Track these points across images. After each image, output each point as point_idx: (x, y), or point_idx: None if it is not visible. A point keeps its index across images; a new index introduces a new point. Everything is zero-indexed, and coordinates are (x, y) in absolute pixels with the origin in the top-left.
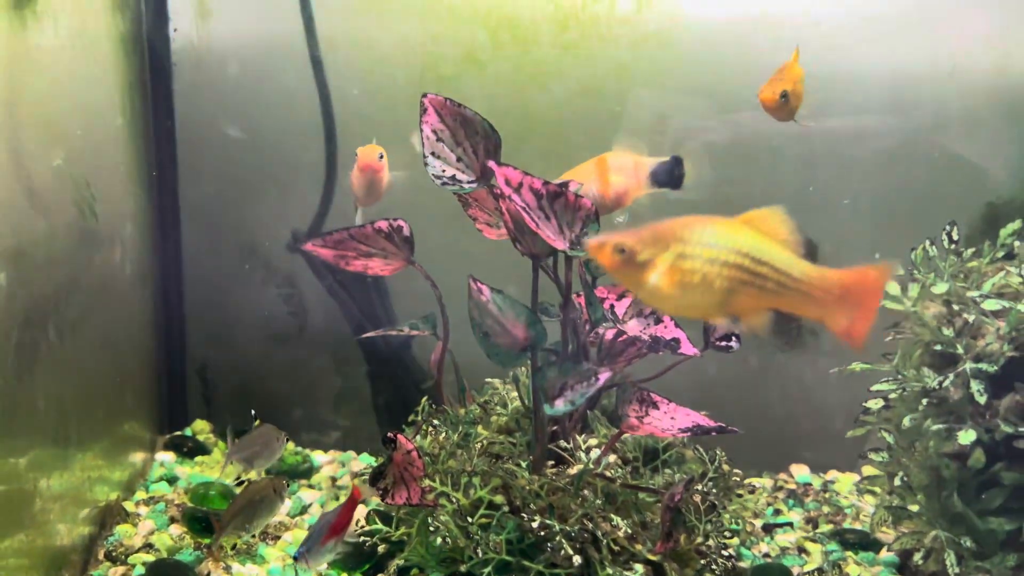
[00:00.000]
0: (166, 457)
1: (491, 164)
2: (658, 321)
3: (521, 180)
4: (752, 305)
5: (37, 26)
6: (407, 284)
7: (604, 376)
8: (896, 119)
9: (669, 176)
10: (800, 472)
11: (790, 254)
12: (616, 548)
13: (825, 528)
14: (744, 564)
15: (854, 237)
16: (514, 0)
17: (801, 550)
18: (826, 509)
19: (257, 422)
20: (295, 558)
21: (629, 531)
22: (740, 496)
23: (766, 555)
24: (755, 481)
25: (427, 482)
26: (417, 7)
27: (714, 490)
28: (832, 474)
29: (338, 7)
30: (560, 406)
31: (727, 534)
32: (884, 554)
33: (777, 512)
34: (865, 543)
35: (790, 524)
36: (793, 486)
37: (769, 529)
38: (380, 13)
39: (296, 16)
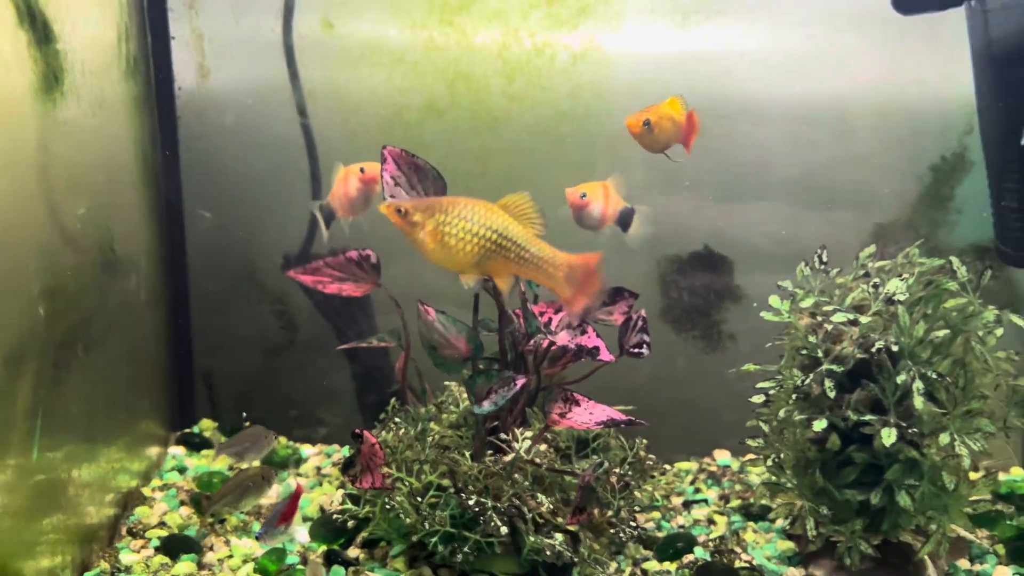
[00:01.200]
0: (177, 451)
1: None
2: (583, 332)
3: None
4: (499, 269)
5: (64, 103)
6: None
7: (521, 381)
8: (798, 151)
9: (623, 219)
10: (722, 456)
11: (531, 235)
12: (541, 521)
13: (735, 503)
14: (662, 534)
15: (764, 254)
16: (468, 57)
17: (710, 521)
18: (738, 487)
19: (247, 423)
20: (257, 537)
21: (551, 507)
22: (653, 477)
23: (682, 527)
24: (682, 465)
25: (386, 469)
26: (385, 63)
27: (630, 472)
28: (750, 457)
29: (318, 63)
30: (486, 406)
31: (640, 509)
32: (778, 524)
33: (697, 491)
34: (765, 515)
35: (705, 501)
36: (714, 468)
37: (688, 505)
38: (353, 68)
39: (282, 73)
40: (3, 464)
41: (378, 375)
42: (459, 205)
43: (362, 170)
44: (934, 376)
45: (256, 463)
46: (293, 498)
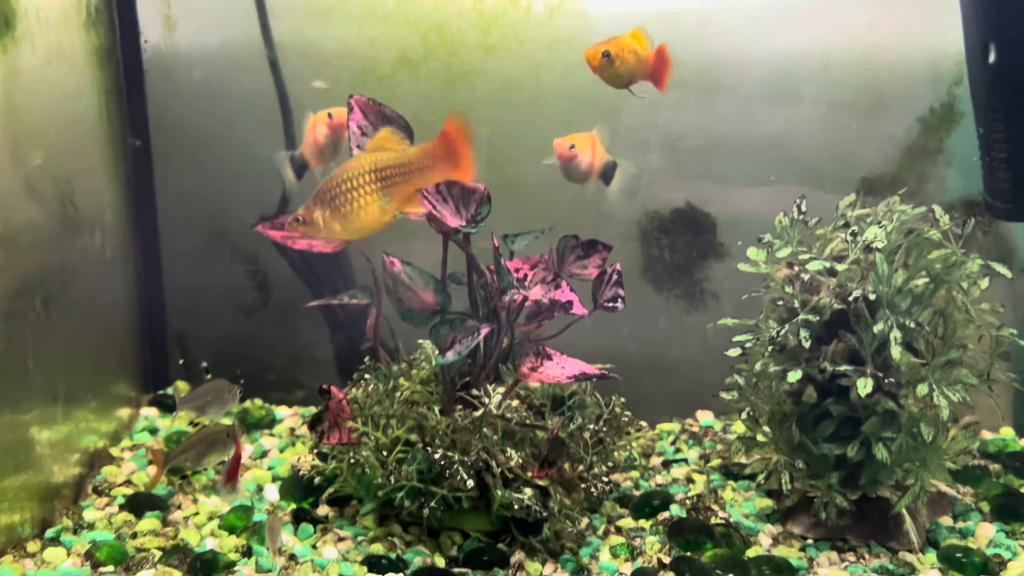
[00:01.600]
0: (150, 412)
1: None
2: (557, 287)
3: None
4: (401, 196)
5: (15, 48)
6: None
7: (484, 330)
8: (782, 105)
9: (605, 172)
10: (704, 417)
11: (399, 152)
12: (511, 476)
13: (715, 463)
14: (640, 493)
15: (748, 208)
16: (442, 7)
17: (689, 480)
18: (719, 447)
19: (208, 376)
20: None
21: (521, 462)
22: (629, 435)
23: (660, 486)
24: (664, 426)
25: (352, 424)
26: (356, 15)
27: (604, 428)
28: (733, 418)
29: (288, 15)
30: (450, 356)
31: (613, 466)
32: (759, 480)
33: (678, 451)
34: (745, 474)
35: (686, 460)
36: (696, 429)
37: (667, 465)
38: (325, 20)
39: (252, 25)
40: None
41: (358, 337)
42: (333, 177)
43: (330, 115)
44: (913, 326)
45: (223, 418)
46: (234, 459)
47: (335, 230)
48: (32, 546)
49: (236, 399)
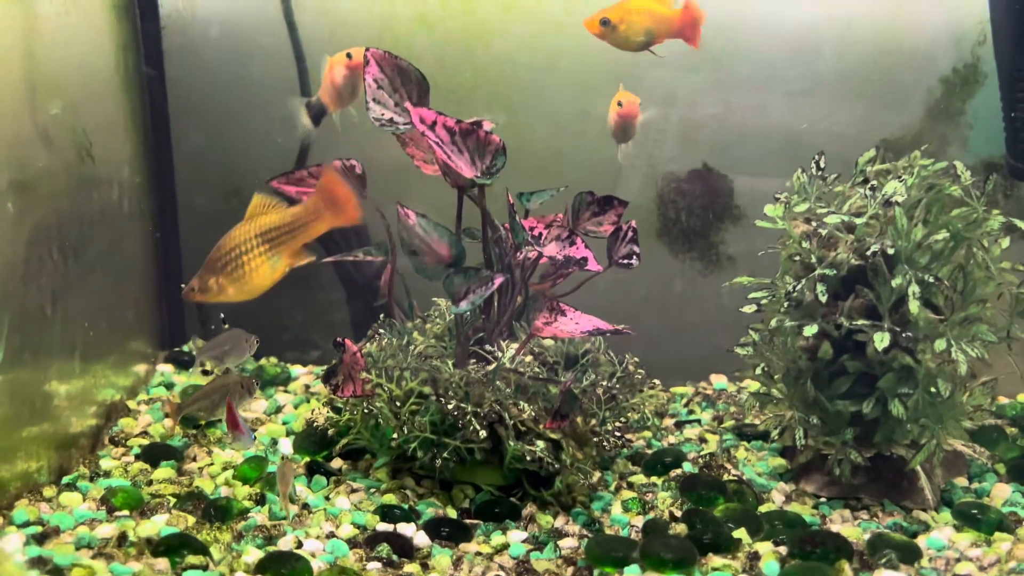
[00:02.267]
0: (166, 368)
1: (407, 105)
2: (572, 244)
3: (435, 119)
4: (290, 252)
5: None
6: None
7: (498, 279)
8: (802, 64)
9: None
10: (718, 380)
11: (278, 215)
12: (523, 428)
13: (728, 424)
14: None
15: (768, 168)
16: None
17: (702, 440)
18: (732, 409)
19: (226, 325)
20: None
21: (533, 415)
22: (642, 392)
23: (673, 445)
24: (679, 390)
25: (365, 375)
26: None
27: (617, 386)
28: (746, 382)
29: None
30: (464, 305)
31: (626, 422)
32: (772, 443)
33: (691, 412)
34: (758, 435)
35: (699, 421)
36: (710, 392)
37: (680, 425)
38: None
39: None
40: None
41: (373, 299)
42: (220, 246)
43: (348, 56)
44: (931, 280)
45: (239, 366)
46: (228, 409)
47: (229, 293)
48: (48, 491)
49: (253, 349)
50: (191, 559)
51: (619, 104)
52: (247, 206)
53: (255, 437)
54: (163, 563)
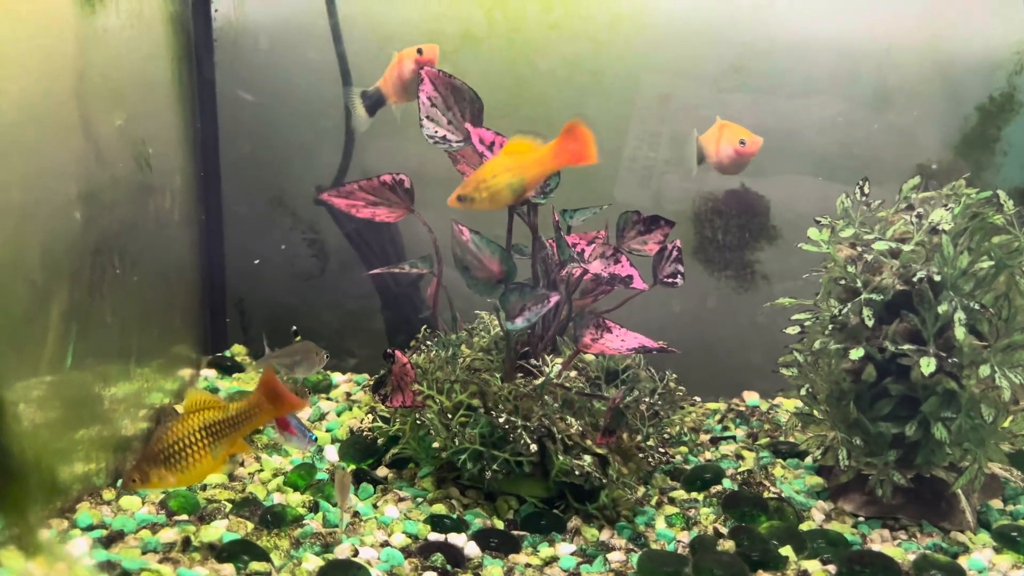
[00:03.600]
0: (209, 373)
1: (467, 126)
2: (616, 261)
3: (493, 140)
4: (229, 443)
5: (103, 10)
6: (419, 232)
7: (554, 298)
8: (839, 90)
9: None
10: (751, 398)
11: (221, 411)
12: (570, 443)
13: (763, 441)
14: (689, 467)
15: (803, 192)
16: None
17: (738, 456)
18: (767, 427)
19: (298, 337)
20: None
21: (580, 429)
22: (683, 408)
23: (709, 461)
24: (711, 405)
25: (416, 386)
26: None
27: (659, 402)
28: (778, 399)
29: None
30: (519, 323)
31: (669, 438)
32: (807, 461)
33: (725, 428)
34: (794, 453)
35: (734, 438)
36: (743, 408)
37: (716, 441)
38: None
39: None
40: (39, 375)
41: (408, 309)
42: (161, 439)
43: (419, 51)
44: (977, 307)
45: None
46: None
47: (170, 481)
48: (107, 494)
49: (323, 362)
50: (254, 565)
51: (741, 142)
52: (290, 215)
53: (314, 437)
54: (228, 568)
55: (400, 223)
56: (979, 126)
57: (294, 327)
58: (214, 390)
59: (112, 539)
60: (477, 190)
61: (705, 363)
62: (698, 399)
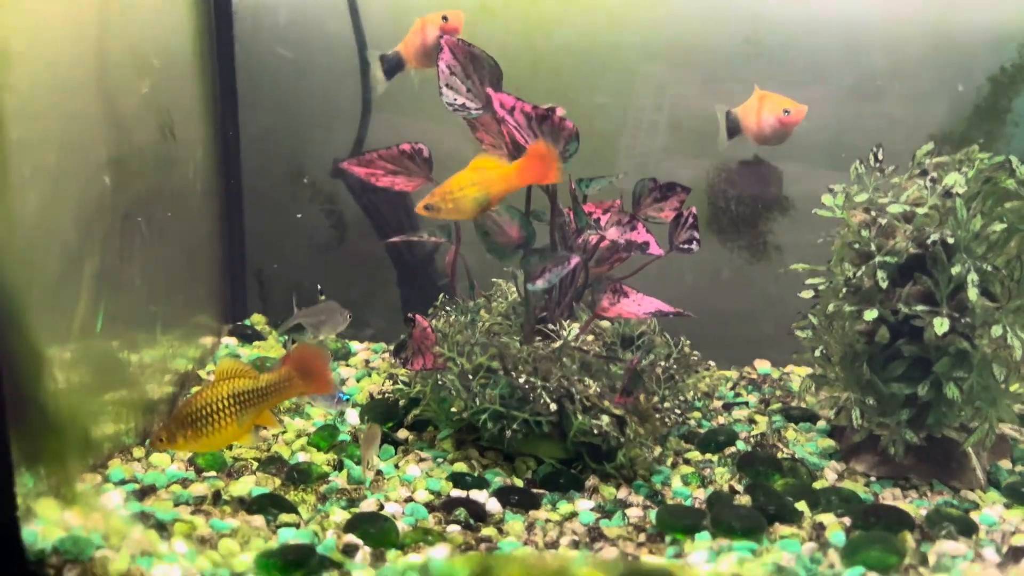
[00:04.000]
0: (230, 341)
1: (488, 91)
2: (633, 228)
3: (514, 104)
4: (256, 414)
5: None
6: None
7: (575, 260)
8: (852, 60)
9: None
10: (763, 366)
11: (252, 380)
12: (588, 404)
13: (775, 406)
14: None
15: (818, 159)
16: None
17: (751, 421)
18: (778, 393)
19: (323, 296)
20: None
21: (599, 391)
22: (698, 372)
23: (723, 426)
24: (724, 373)
25: (438, 349)
26: None
27: (674, 366)
28: (790, 368)
29: None
30: (540, 284)
31: (683, 402)
32: (820, 425)
33: (738, 395)
34: (806, 416)
35: (746, 404)
36: (755, 376)
37: (728, 407)
38: None
39: None
40: (72, 337)
41: (424, 280)
42: (190, 403)
43: (445, 18)
44: (989, 269)
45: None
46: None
47: (194, 446)
48: (137, 452)
49: (347, 322)
50: (283, 517)
51: (786, 112)
52: (309, 189)
53: (347, 396)
54: (259, 520)
55: (414, 195)
56: (991, 97)
57: (319, 286)
58: (235, 356)
59: (144, 493)
60: (443, 200)
61: (718, 333)
62: (712, 364)
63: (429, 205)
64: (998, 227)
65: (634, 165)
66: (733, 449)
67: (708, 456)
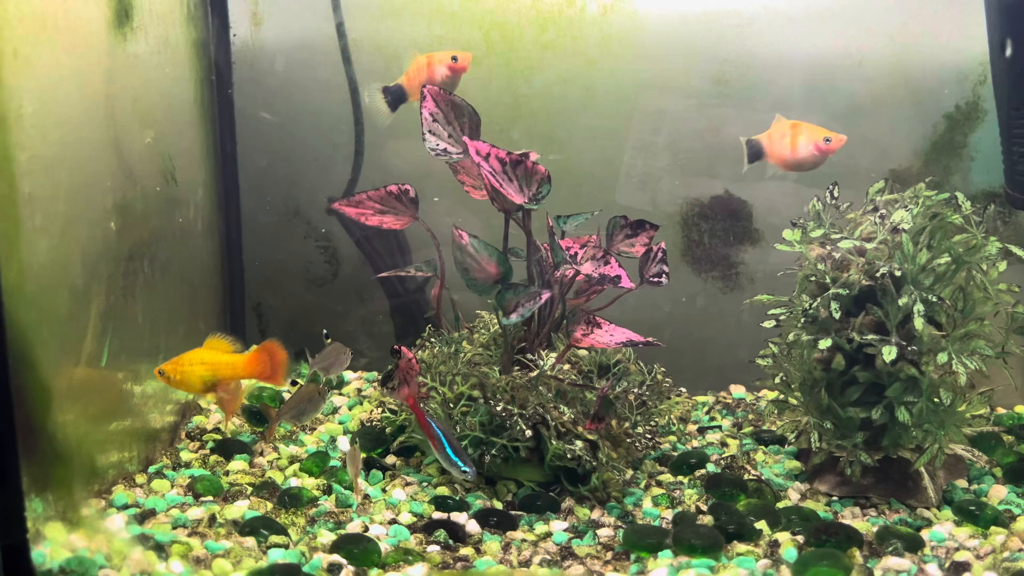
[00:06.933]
0: None
1: (464, 139)
2: (606, 263)
3: (488, 151)
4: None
5: (133, 38)
6: (425, 239)
7: (545, 295)
8: (816, 101)
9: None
10: (737, 390)
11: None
12: (563, 429)
13: (747, 430)
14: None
15: (783, 198)
16: (503, 7)
17: (723, 444)
18: (751, 416)
19: (328, 340)
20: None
21: (573, 417)
22: (670, 399)
23: (696, 448)
24: (700, 398)
25: (421, 379)
26: (424, 13)
27: (647, 393)
28: (763, 392)
29: (362, 14)
30: (514, 317)
31: (654, 427)
32: (788, 447)
33: (712, 419)
34: (775, 440)
35: (719, 427)
36: (730, 401)
37: (702, 431)
38: (396, 19)
39: (329, 21)
40: (79, 370)
41: (416, 311)
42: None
43: (454, 59)
44: (935, 300)
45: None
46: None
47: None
48: (139, 478)
49: (349, 360)
50: (274, 538)
51: (827, 140)
52: (305, 224)
53: (467, 470)
54: (250, 541)
55: (407, 230)
56: (947, 133)
57: (325, 330)
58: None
59: (145, 516)
60: (175, 371)
61: (694, 359)
62: (684, 390)
63: (162, 371)
64: (943, 260)
65: (610, 201)
66: (704, 471)
67: (680, 478)
